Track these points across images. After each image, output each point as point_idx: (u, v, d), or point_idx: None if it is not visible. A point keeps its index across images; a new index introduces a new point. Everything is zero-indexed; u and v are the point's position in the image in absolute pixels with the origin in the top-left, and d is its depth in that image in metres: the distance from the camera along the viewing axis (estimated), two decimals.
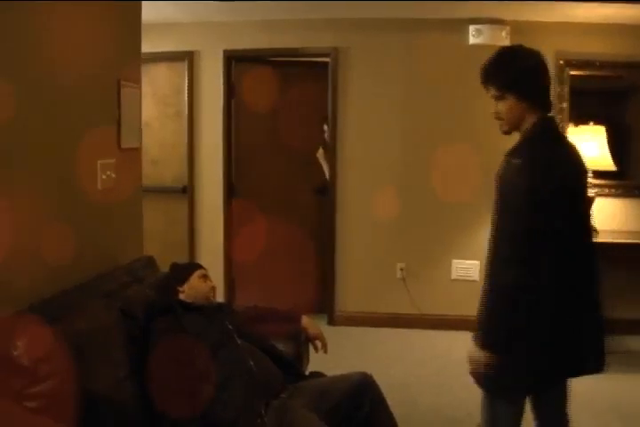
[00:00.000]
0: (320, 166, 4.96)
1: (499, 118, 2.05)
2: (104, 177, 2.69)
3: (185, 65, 4.89)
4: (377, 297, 4.80)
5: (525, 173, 1.86)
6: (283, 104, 5.00)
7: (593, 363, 2.03)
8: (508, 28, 4.53)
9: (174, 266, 2.70)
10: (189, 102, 4.90)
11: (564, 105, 4.62)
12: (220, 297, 4.92)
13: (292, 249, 5.02)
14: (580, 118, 4.54)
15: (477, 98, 4.71)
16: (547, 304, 1.89)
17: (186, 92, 4.90)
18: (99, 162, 2.66)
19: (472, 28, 4.56)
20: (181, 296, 2.52)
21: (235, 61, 4.91)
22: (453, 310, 4.71)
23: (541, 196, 1.84)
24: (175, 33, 4.88)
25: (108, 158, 2.74)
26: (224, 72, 4.86)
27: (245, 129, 5.01)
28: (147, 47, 4.93)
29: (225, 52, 4.84)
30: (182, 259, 4.97)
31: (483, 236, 4.70)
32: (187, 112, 4.92)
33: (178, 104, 4.98)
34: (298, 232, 4.92)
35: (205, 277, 2.60)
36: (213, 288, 2.60)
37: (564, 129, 1.88)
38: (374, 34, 4.70)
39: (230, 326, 2.40)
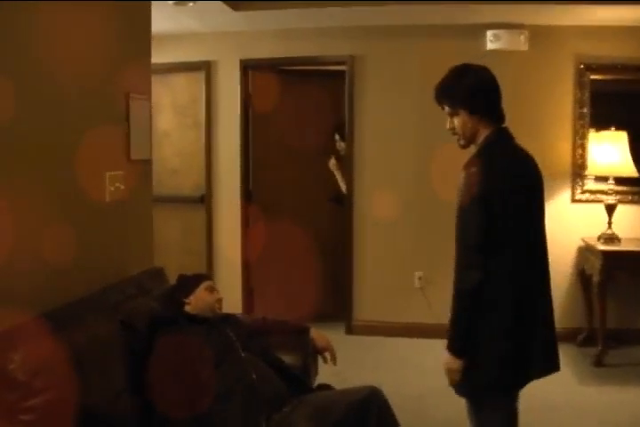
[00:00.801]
0: (334, 175, 4.95)
1: (454, 134, 2.16)
2: (112, 189, 2.71)
3: (202, 75, 4.93)
4: (395, 306, 4.75)
5: (480, 182, 1.96)
6: (298, 113, 5.02)
7: (552, 362, 2.15)
8: (526, 32, 4.47)
9: (181, 277, 2.70)
10: (207, 112, 4.93)
11: (585, 110, 4.53)
12: (237, 307, 4.96)
13: (309, 258, 5.00)
14: (601, 124, 4.45)
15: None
16: (504, 307, 2.01)
17: (204, 101, 4.93)
18: (107, 174, 2.68)
19: (489, 33, 4.50)
20: (187, 308, 2.52)
21: (251, 70, 4.93)
22: None
23: (495, 204, 1.96)
24: (192, 43, 4.93)
25: (117, 170, 2.76)
26: (241, 81, 4.88)
27: (261, 138, 5.02)
28: (165, 58, 5.02)
29: (241, 61, 4.86)
30: (201, 268, 5.01)
31: None
32: (204, 122, 4.94)
33: (196, 114, 5.01)
34: (314, 240, 4.90)
35: (212, 288, 2.60)
36: (220, 300, 2.60)
37: (514, 139, 2.04)
38: (390, 41, 4.68)
39: (234, 339, 2.39)
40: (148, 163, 3.12)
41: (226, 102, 4.93)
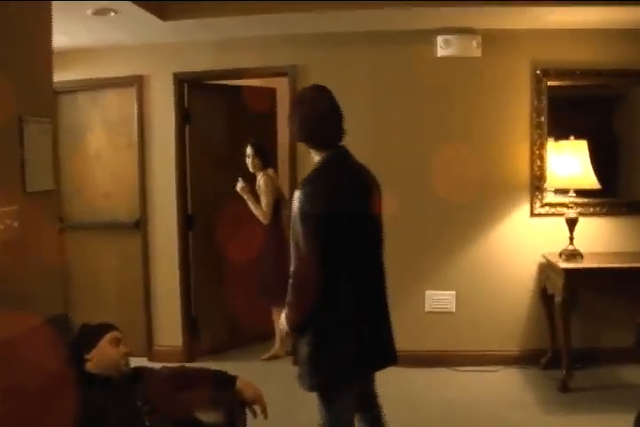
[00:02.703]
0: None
1: None
2: (1, 227, 2.34)
3: (134, 90, 4.57)
4: None
5: (313, 200, 2.17)
6: (239, 129, 4.71)
7: (391, 356, 2.51)
8: (478, 37, 4.21)
9: (82, 329, 2.34)
10: (140, 130, 4.57)
11: (542, 118, 4.28)
12: (178, 339, 4.60)
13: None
14: (559, 133, 4.20)
15: (448, 112, 4.52)
16: (347, 309, 2.27)
17: (135, 119, 4.57)
18: None
19: (440, 38, 4.23)
20: (89, 365, 2.16)
21: (188, 85, 4.59)
22: (429, 344, 4.37)
23: (329, 220, 2.18)
24: (122, 57, 4.57)
25: (7, 205, 2.40)
26: (175, 97, 4.53)
27: (201, 157, 4.68)
28: (93, 73, 4.67)
29: (175, 75, 4.51)
30: (137, 299, 4.65)
31: (458, 264, 4.44)
32: (137, 141, 4.58)
33: (129, 133, 4.65)
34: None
35: (117, 341, 2.25)
36: (126, 354, 2.24)
37: (353, 157, 2.45)
38: (335, 49, 4.37)
39: (141, 403, 2.05)
40: (50, 194, 2.74)
41: (161, 120, 4.57)
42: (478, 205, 4.30)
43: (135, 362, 4.65)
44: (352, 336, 2.29)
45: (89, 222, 4.78)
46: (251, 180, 4.53)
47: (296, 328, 2.35)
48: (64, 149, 4.77)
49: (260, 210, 4.48)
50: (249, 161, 4.53)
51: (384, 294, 2.44)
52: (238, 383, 2.40)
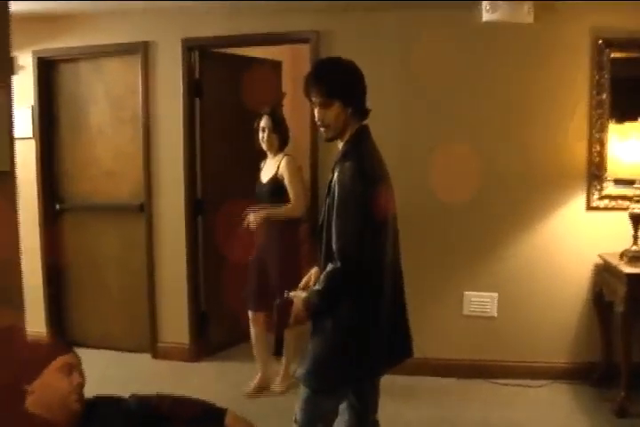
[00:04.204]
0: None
1: (324, 126, 2.15)
2: None
3: (139, 59, 4.08)
4: None
5: (360, 176, 2.04)
6: (257, 103, 4.18)
7: (406, 350, 2.30)
8: (530, 2, 3.58)
9: (27, 349, 1.87)
10: (145, 103, 4.09)
11: (604, 96, 3.65)
12: (184, 336, 4.17)
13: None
14: (624, 113, 3.57)
15: (491, 88, 3.87)
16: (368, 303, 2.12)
17: (140, 90, 4.10)
18: None
19: (485, 2, 3.62)
20: (29, 401, 1.70)
21: (199, 54, 4.09)
22: (467, 352, 3.84)
23: (372, 198, 2.05)
24: (126, 21, 4.08)
25: None
26: (184, 66, 4.03)
27: (213, 135, 4.19)
28: (94, 39, 4.19)
29: (184, 41, 4.01)
30: (141, 290, 4.22)
31: (501, 263, 3.86)
32: (141, 115, 4.11)
33: (134, 106, 4.17)
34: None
35: (71, 368, 1.77)
36: (79, 386, 1.77)
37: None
38: (364, 13, 3.79)
39: None
40: (6, 177, 2.27)
41: (168, 91, 4.08)
42: (526, 196, 3.73)
43: (138, 359, 4.35)
44: (377, 339, 2.15)
45: (90, 204, 4.36)
46: (257, 161, 3.77)
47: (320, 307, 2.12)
48: (65, 123, 4.38)
49: (289, 207, 3.54)
50: (263, 136, 3.57)
51: (403, 294, 2.33)
52: (227, 418, 1.95)
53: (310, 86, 2.14)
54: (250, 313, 3.70)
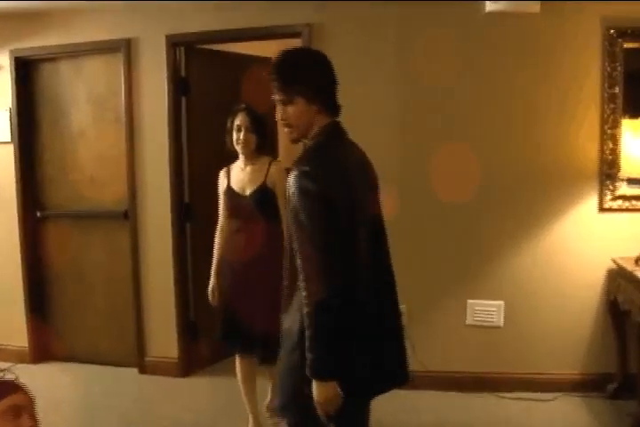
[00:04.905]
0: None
1: (287, 126, 1.91)
2: None
3: (121, 57, 3.87)
4: None
5: (317, 180, 1.75)
6: (248, 101, 3.95)
7: (403, 375, 2.02)
8: None
9: None
10: (128, 103, 3.87)
11: (616, 90, 3.41)
12: (173, 349, 3.94)
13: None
14: (638, 107, 3.37)
15: (495, 82, 3.58)
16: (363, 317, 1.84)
17: (123, 90, 3.88)
18: None
19: None
20: None
21: (185, 50, 3.87)
22: (471, 365, 3.60)
23: (335, 203, 1.76)
24: (107, 17, 3.88)
25: None
26: (169, 63, 3.81)
27: (203, 134, 3.96)
28: (74, 37, 3.97)
29: (168, 37, 3.79)
30: (127, 301, 4.01)
31: (508, 269, 3.55)
32: (124, 116, 3.89)
33: (117, 107, 3.95)
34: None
35: (18, 410, 1.48)
36: None
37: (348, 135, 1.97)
38: (359, 5, 3.55)
39: None
40: None
41: (152, 90, 3.86)
42: (533, 198, 3.49)
43: (124, 374, 4.14)
44: (358, 364, 1.83)
45: (72, 211, 4.14)
46: (227, 169, 3.15)
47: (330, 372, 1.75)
48: (45, 126, 4.17)
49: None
50: (239, 136, 2.99)
51: (397, 306, 2.04)
52: None
53: (270, 81, 1.89)
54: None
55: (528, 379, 3.54)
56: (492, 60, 3.51)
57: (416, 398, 3.53)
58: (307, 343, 1.72)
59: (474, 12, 3.46)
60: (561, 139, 3.46)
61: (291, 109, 1.86)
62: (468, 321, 3.61)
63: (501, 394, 3.54)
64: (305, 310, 1.71)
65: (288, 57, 1.89)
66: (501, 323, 3.57)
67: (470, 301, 3.59)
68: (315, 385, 1.73)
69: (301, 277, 1.73)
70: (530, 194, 3.51)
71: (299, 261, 1.75)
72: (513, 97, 3.50)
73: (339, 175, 1.80)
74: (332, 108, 1.91)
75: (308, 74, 1.86)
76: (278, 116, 1.90)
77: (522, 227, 3.52)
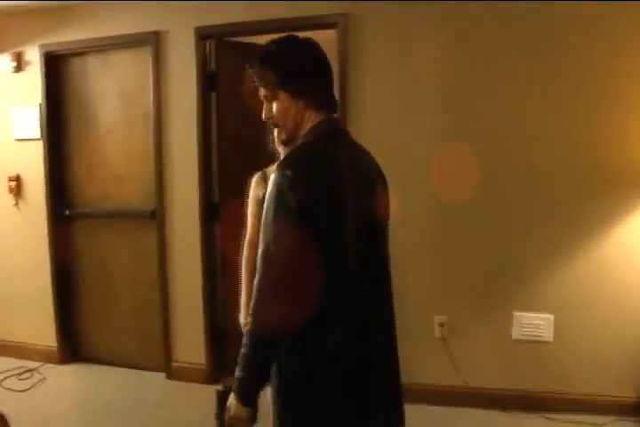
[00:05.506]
0: None
1: (275, 125, 1.69)
2: None
3: (150, 51, 3.71)
4: (408, 363, 3.43)
5: (297, 187, 1.47)
6: None
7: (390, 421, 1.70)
8: None
9: None
10: (156, 99, 3.72)
11: None
12: (201, 355, 3.78)
13: None
14: None
15: (559, 76, 3.27)
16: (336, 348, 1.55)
17: (151, 85, 3.72)
18: None
19: None
20: None
21: (215, 43, 3.69)
22: (516, 382, 3.32)
23: (317, 215, 1.48)
24: (135, 9, 3.72)
25: None
26: (197, 57, 3.64)
27: (233, 131, 3.78)
28: (102, 31, 3.83)
29: (197, 30, 3.61)
30: (154, 303, 3.87)
31: (559, 279, 3.19)
32: (153, 112, 3.74)
33: (145, 102, 3.80)
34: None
35: None
36: None
37: (350, 134, 1.71)
38: None
39: None
40: None
41: (181, 85, 3.69)
42: (587, 200, 3.18)
43: (151, 378, 4.00)
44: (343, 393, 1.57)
45: (99, 210, 4.02)
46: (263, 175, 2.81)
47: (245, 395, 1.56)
48: (73, 122, 4.06)
49: None
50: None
51: (391, 332, 1.72)
52: None
53: (253, 75, 1.68)
54: None
55: (579, 400, 3.24)
56: (540, 53, 3.19)
57: (455, 416, 3.29)
58: (239, 359, 1.52)
59: (531, 5, 3.16)
60: (614, 134, 3.13)
61: (275, 106, 1.64)
62: (515, 335, 3.32)
63: (549, 415, 3.24)
64: (248, 326, 1.50)
65: (270, 46, 1.66)
66: (551, 338, 3.27)
67: (517, 313, 3.30)
68: (234, 399, 1.56)
69: (255, 293, 1.49)
70: (583, 196, 3.19)
71: (257, 275, 1.49)
72: (575, 97, 3.18)
73: (324, 180, 1.53)
74: (325, 103, 1.66)
75: (291, 65, 1.62)
76: (263, 114, 1.67)
77: (576, 233, 3.20)
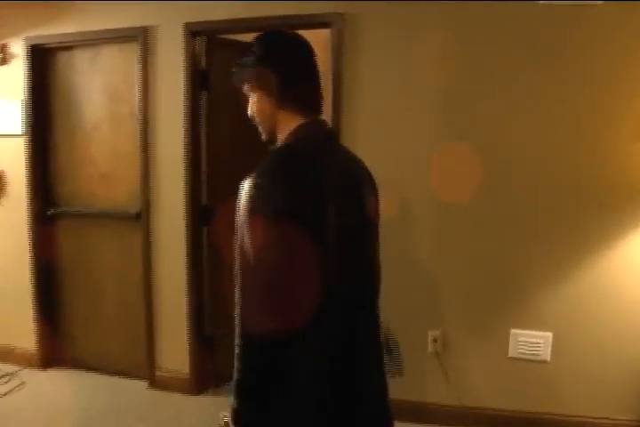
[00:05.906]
0: None
1: (257, 124, 1.59)
2: None
3: (138, 46, 3.55)
4: (397, 378, 3.30)
5: (269, 197, 1.37)
6: None
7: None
8: None
9: None
10: (143, 97, 3.56)
11: None
12: (185, 363, 3.64)
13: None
14: None
15: (550, 80, 3.04)
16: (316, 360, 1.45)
17: (138, 82, 3.57)
18: None
19: None
20: None
21: (207, 40, 3.53)
22: (512, 402, 3.17)
23: (295, 226, 1.37)
24: (126, 4, 3.56)
25: None
26: (187, 54, 3.48)
27: (224, 132, 3.63)
28: (90, 25, 3.69)
29: (186, 25, 3.45)
30: (140, 307, 3.73)
31: (558, 296, 3.01)
32: (139, 109, 3.59)
33: (133, 100, 3.64)
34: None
35: None
36: None
37: (335, 138, 1.62)
38: None
39: None
40: None
41: (169, 83, 3.53)
42: (589, 213, 3.02)
43: (133, 387, 3.88)
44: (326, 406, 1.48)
45: (83, 210, 3.87)
46: None
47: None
48: (57, 118, 3.91)
49: None
50: None
51: (376, 344, 1.63)
52: None
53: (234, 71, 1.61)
54: None
55: (577, 422, 3.09)
56: (546, 54, 3.03)
57: None
58: (232, 386, 1.47)
59: (530, 6, 2.99)
60: (621, 147, 2.97)
61: (251, 103, 1.57)
62: (511, 353, 3.17)
63: None
64: (235, 349, 1.42)
65: (255, 41, 1.55)
66: (548, 357, 3.12)
67: (514, 330, 3.15)
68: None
69: (237, 310, 1.40)
70: (586, 210, 3.03)
71: (236, 291, 1.41)
72: (568, 99, 3.02)
73: (301, 188, 1.41)
74: (309, 104, 1.54)
75: (264, 60, 1.51)
76: (248, 112, 1.59)
77: (578, 247, 3.04)
